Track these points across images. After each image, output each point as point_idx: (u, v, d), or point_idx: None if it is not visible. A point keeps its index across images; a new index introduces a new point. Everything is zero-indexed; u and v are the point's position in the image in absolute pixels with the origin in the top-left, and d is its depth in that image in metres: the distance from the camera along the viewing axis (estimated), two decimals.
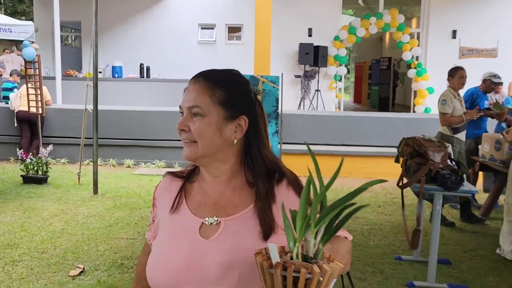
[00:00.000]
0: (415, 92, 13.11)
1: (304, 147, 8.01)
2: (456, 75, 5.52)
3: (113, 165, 8.59)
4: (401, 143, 4.09)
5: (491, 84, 6.17)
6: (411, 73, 12.93)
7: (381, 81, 16.95)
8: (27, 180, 7.10)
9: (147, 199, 6.37)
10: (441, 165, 3.72)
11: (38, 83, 7.35)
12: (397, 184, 4.05)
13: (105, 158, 8.60)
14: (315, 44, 12.41)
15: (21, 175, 7.16)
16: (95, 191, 6.61)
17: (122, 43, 12.86)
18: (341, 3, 13.07)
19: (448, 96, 5.45)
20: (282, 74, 7.06)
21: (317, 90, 12.71)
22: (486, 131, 6.08)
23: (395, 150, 8.16)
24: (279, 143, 6.97)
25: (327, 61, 12.71)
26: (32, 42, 7.06)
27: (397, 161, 4.10)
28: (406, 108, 16.32)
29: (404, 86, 17.84)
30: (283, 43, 12.99)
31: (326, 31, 12.98)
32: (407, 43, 12.79)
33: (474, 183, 6.06)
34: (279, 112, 6.82)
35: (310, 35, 13.00)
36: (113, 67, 11.90)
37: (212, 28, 13.36)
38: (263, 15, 8.06)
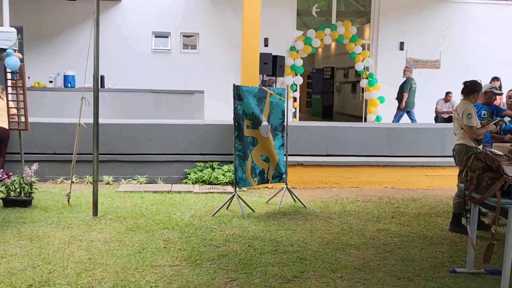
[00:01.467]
0: (367, 101, 13.58)
1: (305, 159, 7.99)
2: (480, 91, 5.78)
3: (90, 182, 8.01)
4: (470, 157, 4.15)
5: (492, 95, 6.45)
6: (363, 83, 13.38)
7: (324, 90, 17.39)
8: (9, 203, 6.41)
9: (155, 219, 6.00)
10: None
11: (22, 95, 6.66)
12: (468, 198, 4.11)
13: (80, 175, 8.00)
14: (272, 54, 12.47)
15: (1, 198, 6.45)
16: (95, 213, 6.11)
17: (73, 51, 12.07)
18: (295, 14, 13.24)
19: (472, 109, 5.68)
20: (287, 86, 6.99)
21: None
22: (489, 141, 6.37)
23: (379, 159, 8.44)
24: (284, 155, 6.88)
25: (284, 71, 12.81)
26: (15, 50, 6.39)
27: (466, 176, 4.16)
28: (345, 116, 16.90)
29: (341, 95, 18.46)
30: (240, 52, 12.91)
31: (282, 42, 13.10)
32: (360, 54, 13.24)
33: None
34: (285, 124, 6.74)
35: (266, 45, 13.04)
36: (65, 76, 11.11)
37: (167, 37, 12.96)
38: (250, 25, 7.93)
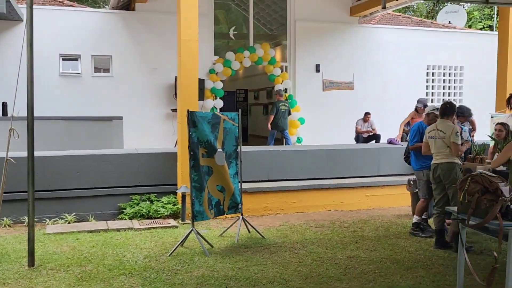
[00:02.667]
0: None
1: (248, 186, 7.61)
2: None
3: (8, 225, 6.99)
4: (466, 180, 4.07)
5: (435, 117, 6.61)
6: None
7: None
8: None
9: (105, 264, 5.28)
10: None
11: None
12: (466, 222, 4.01)
13: None
14: None
15: None
16: (32, 263, 5.24)
17: None
18: (213, 36, 12.96)
19: (459, 128, 5.85)
20: (240, 110, 6.60)
21: None
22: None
23: (321, 182, 8.33)
24: (239, 181, 6.48)
25: (204, 94, 12.41)
26: None
27: (464, 199, 4.06)
28: (261, 138, 16.83)
29: (253, 117, 18.41)
30: (157, 75, 12.33)
31: (201, 64, 12.66)
32: (279, 76, 13.26)
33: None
34: (239, 151, 6.37)
35: None
36: None
37: (76, 60, 11.99)
38: (188, 47, 7.48)
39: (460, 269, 4.42)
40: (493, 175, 4.05)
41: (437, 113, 6.65)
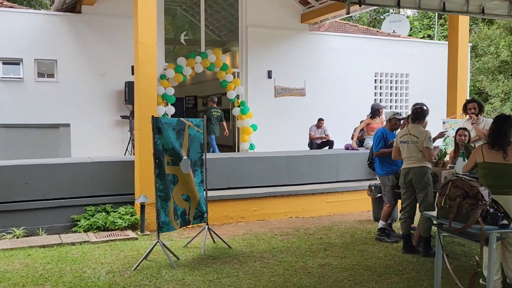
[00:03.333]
0: (239, 129, 13.46)
1: (208, 194, 7.37)
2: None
3: None
4: (447, 184, 4.07)
5: (396, 121, 6.70)
6: (236, 111, 13.24)
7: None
8: None
9: (65, 282, 4.91)
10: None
11: None
12: (449, 227, 4.00)
13: None
14: None
15: None
16: None
17: None
18: (163, 42, 12.65)
19: (430, 133, 5.91)
20: (204, 116, 6.37)
21: None
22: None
23: (281, 189, 8.24)
24: (204, 190, 6.25)
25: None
26: None
27: (445, 204, 4.05)
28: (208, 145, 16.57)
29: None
30: (106, 81, 11.87)
31: None
32: (231, 82, 13.11)
33: None
34: (204, 158, 6.16)
35: (133, 73, 12.18)
36: None
37: (18, 64, 11.32)
38: (146, 51, 7.20)
39: (437, 274, 4.41)
40: (473, 179, 4.07)
41: (399, 117, 6.74)
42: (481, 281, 4.79)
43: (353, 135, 9.91)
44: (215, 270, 5.30)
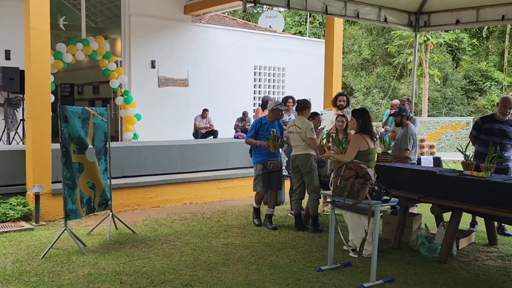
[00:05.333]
0: (122, 118, 13.37)
1: (117, 182, 7.41)
2: (310, 107, 6.60)
3: None
4: (342, 167, 4.73)
5: (278, 112, 6.89)
6: (119, 100, 13.13)
7: None
8: None
9: None
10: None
11: None
12: (344, 203, 4.67)
13: None
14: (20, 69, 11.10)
15: None
16: None
17: None
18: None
19: (312, 124, 6.53)
20: (107, 106, 6.40)
21: (22, 120, 11.40)
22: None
23: (175, 177, 8.55)
24: (108, 178, 6.35)
25: None
26: None
27: (340, 184, 4.71)
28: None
29: None
30: None
31: None
32: (114, 70, 12.95)
33: None
34: (108, 147, 6.29)
35: (8, 58, 11.58)
36: None
37: None
38: (39, 36, 7.01)
39: (330, 243, 5.11)
40: (362, 162, 4.80)
41: (281, 108, 7.11)
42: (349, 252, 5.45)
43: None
44: (126, 253, 5.49)
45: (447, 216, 5.80)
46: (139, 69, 13.46)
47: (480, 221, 6.71)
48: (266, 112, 9.90)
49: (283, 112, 7.21)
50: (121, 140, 13.33)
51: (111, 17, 13.65)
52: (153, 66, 13.71)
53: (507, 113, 6.51)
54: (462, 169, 5.65)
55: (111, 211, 6.42)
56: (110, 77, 12.97)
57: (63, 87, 16.76)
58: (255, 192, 6.99)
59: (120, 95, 13.09)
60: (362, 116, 5.77)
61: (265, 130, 6.83)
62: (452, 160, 12.95)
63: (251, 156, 7.44)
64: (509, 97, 6.66)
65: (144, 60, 13.56)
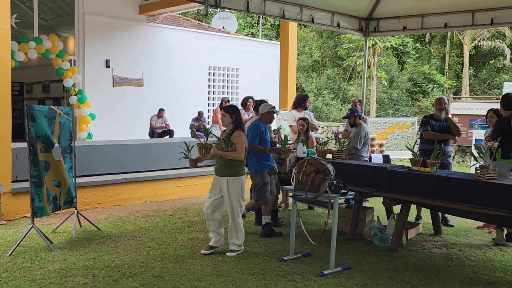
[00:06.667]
0: (76, 118, 13.27)
1: (77, 180, 7.45)
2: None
3: None
4: (304, 163, 5.07)
5: (272, 116, 6.74)
6: (73, 99, 13.03)
7: (13, 108, 15.83)
8: None
9: None
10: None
11: None
12: (305, 197, 5.01)
13: None
14: None
15: None
16: None
17: None
18: None
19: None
20: (72, 105, 6.46)
21: None
22: None
23: (135, 175, 8.68)
24: (73, 176, 6.44)
25: None
26: None
27: (302, 179, 5.04)
28: None
29: None
30: None
31: None
32: (68, 69, 12.85)
33: None
34: (73, 145, 6.40)
35: None
36: None
37: None
38: (1, 35, 7.00)
39: (292, 234, 5.45)
40: (323, 159, 5.17)
41: (275, 111, 7.21)
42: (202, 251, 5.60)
43: None
44: (94, 249, 5.63)
45: (396, 209, 6.27)
46: (93, 68, 13.41)
47: (426, 214, 7.24)
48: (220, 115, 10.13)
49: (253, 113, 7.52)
50: (75, 140, 13.22)
51: (63, 16, 13.53)
52: (107, 66, 13.68)
53: (443, 110, 7.17)
54: (410, 165, 6.13)
55: (76, 209, 6.51)
56: (63, 76, 12.85)
57: (12, 86, 16.34)
58: (262, 203, 6.49)
59: (74, 95, 12.99)
60: (236, 112, 5.67)
61: (265, 135, 6.46)
62: (399, 158, 13.65)
63: None
64: (443, 97, 7.50)
65: (99, 60, 13.51)
